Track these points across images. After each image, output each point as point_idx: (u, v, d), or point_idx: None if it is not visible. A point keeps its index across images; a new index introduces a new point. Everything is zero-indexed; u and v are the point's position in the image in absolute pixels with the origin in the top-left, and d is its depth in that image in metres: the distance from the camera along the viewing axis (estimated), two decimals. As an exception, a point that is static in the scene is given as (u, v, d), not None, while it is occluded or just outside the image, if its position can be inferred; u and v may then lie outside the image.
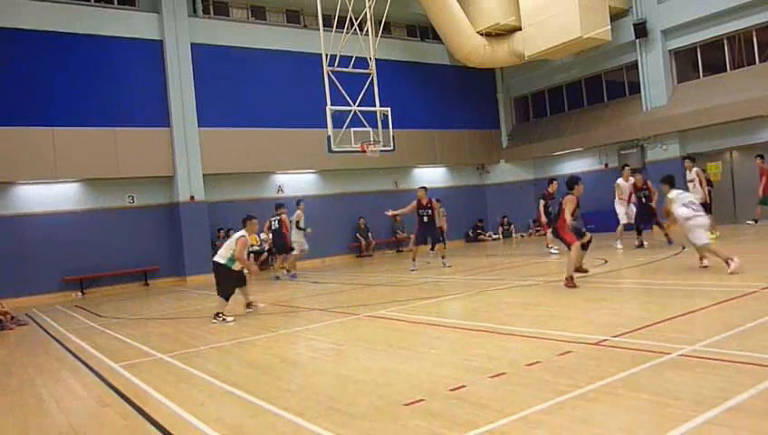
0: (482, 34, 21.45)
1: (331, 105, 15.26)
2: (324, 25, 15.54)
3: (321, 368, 5.70)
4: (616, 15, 19.87)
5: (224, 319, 9.10)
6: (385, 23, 18.48)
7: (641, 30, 19.46)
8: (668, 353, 4.78)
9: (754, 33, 17.76)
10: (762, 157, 17.03)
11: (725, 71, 18.54)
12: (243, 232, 9.53)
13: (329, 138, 15.07)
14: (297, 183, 20.72)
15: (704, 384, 4.03)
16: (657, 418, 3.51)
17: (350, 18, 15.66)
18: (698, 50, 19.18)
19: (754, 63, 17.83)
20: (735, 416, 3.44)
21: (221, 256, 9.57)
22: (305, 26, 20.62)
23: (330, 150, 15.29)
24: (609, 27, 19.19)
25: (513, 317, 7.27)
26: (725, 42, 18.47)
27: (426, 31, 23.68)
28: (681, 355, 4.73)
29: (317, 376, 5.36)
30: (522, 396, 4.13)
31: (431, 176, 23.20)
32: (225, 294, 9.45)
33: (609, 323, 6.19)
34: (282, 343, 7.17)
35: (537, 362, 4.91)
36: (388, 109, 16.15)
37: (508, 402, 4.03)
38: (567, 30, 18.81)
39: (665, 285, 8.71)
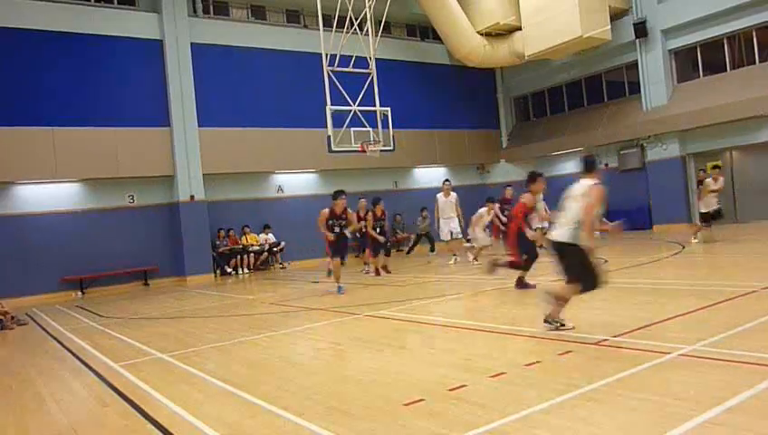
0: (482, 34, 21.44)
1: (331, 105, 15.26)
2: (324, 25, 15.53)
3: (321, 368, 5.70)
4: (616, 15, 19.85)
5: (561, 324, 6.06)
6: (385, 23, 18.45)
7: (641, 30, 19.45)
8: (668, 353, 4.78)
9: (754, 34, 17.74)
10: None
11: (726, 71, 18.52)
12: (589, 180, 5.96)
13: (329, 138, 15.07)
14: (297, 183, 20.71)
15: (704, 384, 4.03)
16: (657, 418, 3.51)
17: (350, 18, 15.66)
18: (698, 50, 19.17)
19: (755, 63, 17.81)
20: (735, 416, 3.44)
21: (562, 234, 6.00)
22: (305, 26, 20.60)
23: (330, 150, 15.28)
24: (610, 27, 19.18)
25: (512, 317, 7.27)
26: (725, 42, 18.46)
27: (426, 31, 23.66)
28: (681, 355, 4.73)
29: (317, 376, 5.36)
30: (522, 396, 4.13)
31: (431, 176, 23.20)
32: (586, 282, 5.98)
33: (609, 323, 6.19)
34: (282, 343, 7.17)
35: (537, 362, 4.92)
36: (388, 109, 16.13)
37: (508, 402, 4.03)
38: (567, 30, 18.80)
39: (665, 285, 8.71)
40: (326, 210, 11.24)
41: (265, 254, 19.51)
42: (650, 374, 4.37)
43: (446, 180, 15.86)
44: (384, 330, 7.35)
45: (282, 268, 19.50)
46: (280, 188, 20.39)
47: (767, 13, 17.09)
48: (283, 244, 19.67)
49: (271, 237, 19.54)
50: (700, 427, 3.32)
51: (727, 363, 4.44)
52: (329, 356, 6.24)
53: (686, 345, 4.95)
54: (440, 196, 15.24)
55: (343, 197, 11.25)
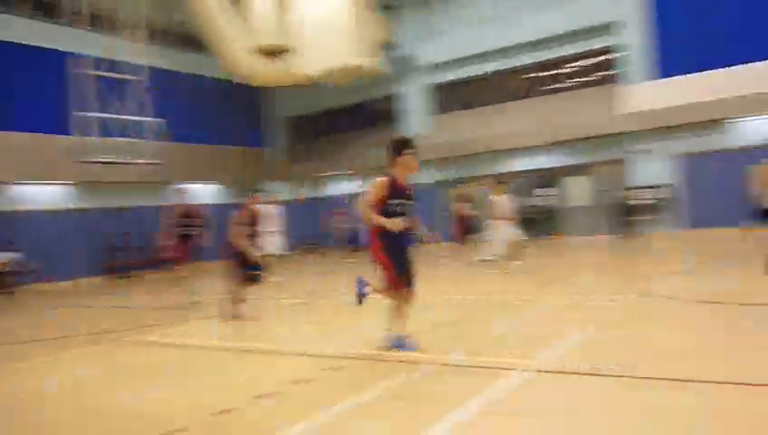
0: (255, 53, 21.30)
1: (90, 111, 13.93)
2: (92, 26, 14.20)
3: (65, 402, 5.03)
4: (384, 48, 21.29)
5: None
6: (155, 30, 17.40)
7: (405, 64, 21.33)
8: (421, 363, 5.13)
9: (514, 74, 20.47)
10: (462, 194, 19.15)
11: (483, 105, 21.01)
12: None
13: (77, 146, 13.63)
14: (41, 197, 18.05)
15: (451, 388, 4.43)
16: (410, 420, 3.74)
17: (117, 22, 14.54)
18: (458, 86, 21.51)
19: (514, 100, 20.43)
20: (483, 415, 3.79)
21: None
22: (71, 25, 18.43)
23: (79, 160, 13.82)
24: (379, 58, 20.45)
25: (277, 336, 7.23)
26: (484, 80, 21.05)
27: (201, 43, 22.83)
28: (444, 364, 5.12)
29: (59, 412, 4.72)
30: (287, 413, 4.11)
31: (205, 193, 22.24)
32: None
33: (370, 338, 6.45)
34: (25, 377, 6.22)
35: (307, 380, 4.92)
36: (158, 120, 15.21)
37: (275, 422, 3.97)
38: (337, 57, 19.63)
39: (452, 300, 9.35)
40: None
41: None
42: (408, 382, 4.65)
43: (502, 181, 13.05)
44: (146, 357, 6.76)
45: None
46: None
47: (525, 57, 20.08)
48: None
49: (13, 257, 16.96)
50: (453, 426, 3.60)
51: (474, 369, 4.91)
52: (75, 389, 5.52)
53: (445, 354, 5.36)
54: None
55: None
